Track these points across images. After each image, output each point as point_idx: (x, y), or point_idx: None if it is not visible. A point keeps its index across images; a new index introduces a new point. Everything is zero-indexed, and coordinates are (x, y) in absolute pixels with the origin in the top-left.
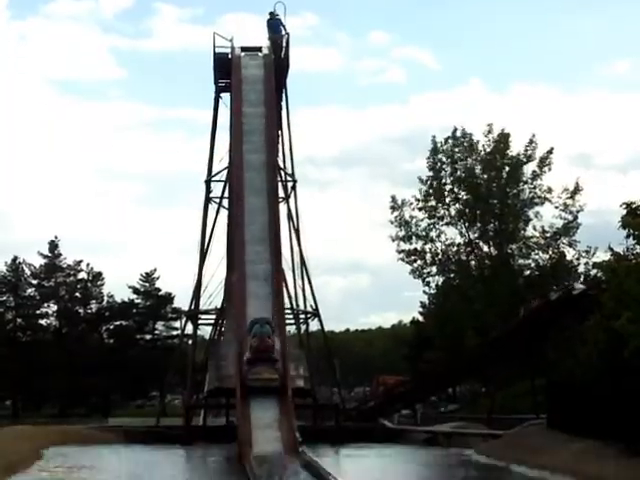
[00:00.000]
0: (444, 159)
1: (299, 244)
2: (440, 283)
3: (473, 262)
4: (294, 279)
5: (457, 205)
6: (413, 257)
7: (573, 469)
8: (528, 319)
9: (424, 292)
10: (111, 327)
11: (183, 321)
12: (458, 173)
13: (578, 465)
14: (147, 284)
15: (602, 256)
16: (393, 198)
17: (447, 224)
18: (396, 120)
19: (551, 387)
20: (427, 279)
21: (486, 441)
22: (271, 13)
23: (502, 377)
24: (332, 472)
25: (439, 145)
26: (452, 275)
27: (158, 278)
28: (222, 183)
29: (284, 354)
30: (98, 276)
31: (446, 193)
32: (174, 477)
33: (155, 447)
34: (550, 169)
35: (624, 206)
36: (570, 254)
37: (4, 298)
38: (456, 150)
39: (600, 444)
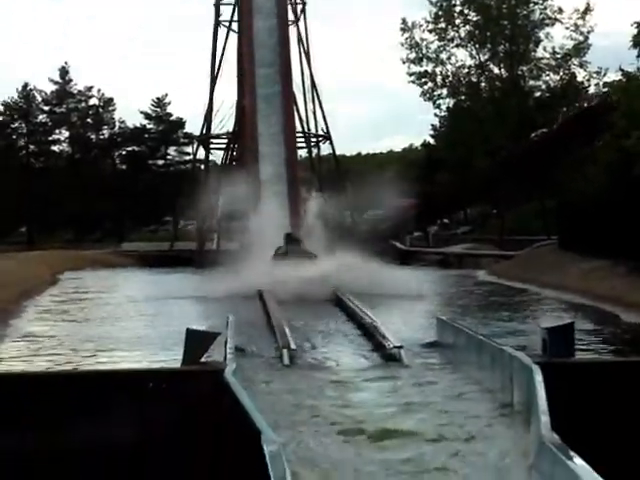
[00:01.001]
0: None
1: (309, 67)
2: (451, 105)
3: (483, 84)
4: (305, 103)
5: (467, 27)
6: (424, 79)
7: (584, 288)
8: (538, 140)
9: (435, 115)
10: (123, 153)
11: (195, 146)
12: None
13: (589, 284)
14: (158, 109)
15: (613, 77)
16: (403, 20)
17: (457, 46)
18: None
19: (562, 207)
20: (438, 102)
21: (497, 262)
22: None
23: (512, 198)
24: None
25: None
26: (462, 97)
27: (169, 103)
28: (231, 6)
29: (295, 176)
30: (109, 102)
31: (456, 15)
32: (189, 290)
33: (170, 270)
34: None
35: (635, 25)
36: (580, 75)
37: (16, 125)
38: None
39: (610, 263)
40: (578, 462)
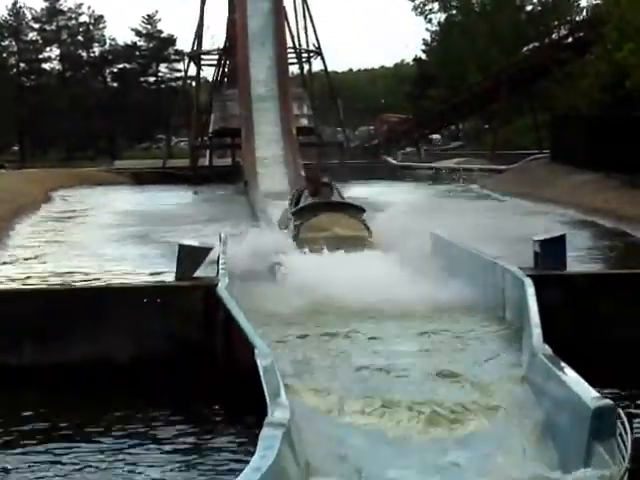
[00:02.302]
0: None
1: None
2: (442, 20)
3: None
4: (296, 18)
5: None
6: None
7: (576, 201)
8: (530, 54)
9: (426, 30)
10: (114, 70)
11: (186, 62)
12: None
13: (581, 197)
14: (149, 26)
15: None
16: None
17: None
18: None
19: (554, 121)
20: (429, 16)
21: (490, 176)
22: None
23: (504, 113)
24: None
25: None
26: (454, 12)
27: (160, 20)
28: None
29: (286, 93)
30: (100, 19)
31: None
32: (184, 206)
33: (163, 187)
34: None
35: None
36: None
37: (6, 43)
38: None
39: (603, 176)
40: (569, 373)
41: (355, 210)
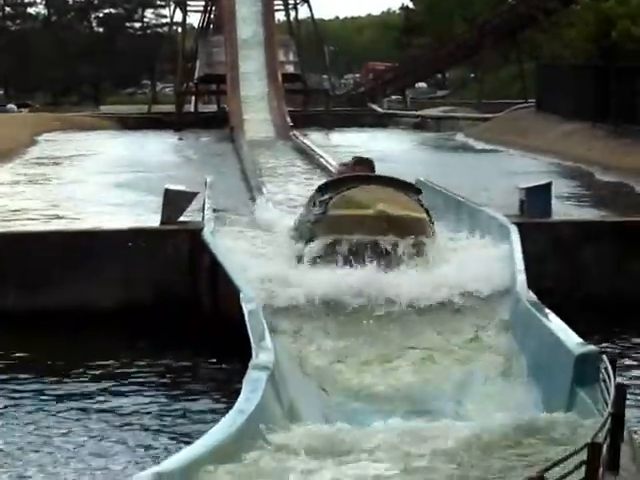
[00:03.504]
0: None
1: None
2: None
3: None
4: None
5: None
6: None
7: (561, 150)
8: (516, 3)
9: None
10: (100, 15)
11: (172, 8)
12: None
13: (566, 146)
14: None
15: None
16: None
17: None
18: None
19: (540, 70)
20: None
21: (475, 125)
22: None
23: (491, 62)
24: (322, 153)
25: None
26: None
27: None
28: None
29: (271, 39)
30: None
31: None
32: (169, 152)
33: (148, 132)
34: None
35: None
36: None
37: None
38: None
39: (588, 126)
40: (553, 319)
41: (407, 188)
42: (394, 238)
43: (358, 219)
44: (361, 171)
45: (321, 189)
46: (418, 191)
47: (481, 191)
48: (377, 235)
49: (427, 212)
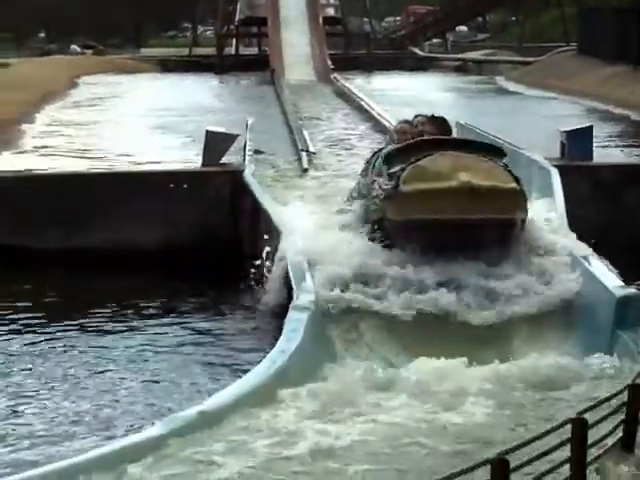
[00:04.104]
0: None
1: None
2: None
3: None
4: None
5: None
6: None
7: (602, 94)
8: None
9: None
10: None
11: None
12: None
13: (608, 90)
14: None
15: None
16: None
17: None
18: None
19: (582, 13)
20: None
21: (516, 68)
22: None
23: (532, 5)
24: (363, 97)
25: None
26: None
27: None
28: None
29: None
30: None
31: None
32: (210, 95)
33: (189, 75)
34: None
35: None
36: None
37: None
38: None
39: (630, 69)
40: (595, 262)
41: (491, 151)
42: (484, 216)
43: (437, 194)
44: (432, 132)
45: (389, 157)
46: (503, 154)
47: (521, 134)
48: (463, 214)
49: (517, 181)
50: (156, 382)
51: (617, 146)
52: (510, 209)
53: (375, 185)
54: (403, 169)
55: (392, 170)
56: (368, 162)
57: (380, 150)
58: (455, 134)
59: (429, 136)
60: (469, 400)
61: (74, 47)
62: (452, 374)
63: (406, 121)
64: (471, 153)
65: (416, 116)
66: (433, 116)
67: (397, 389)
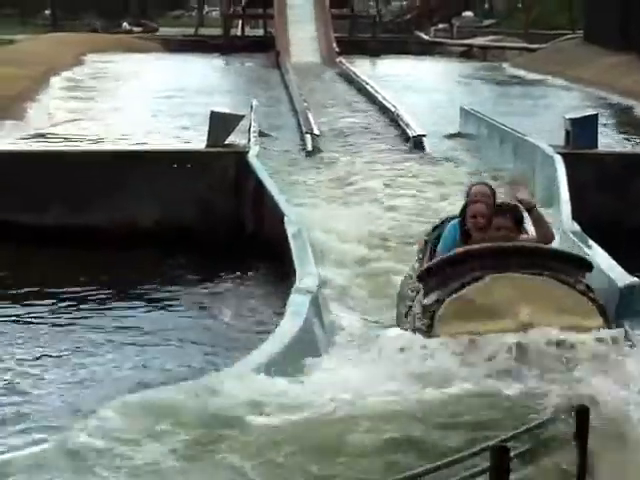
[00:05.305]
0: None
1: None
2: None
3: None
4: None
5: None
6: None
7: (608, 82)
8: None
9: None
10: None
11: None
12: None
13: (613, 78)
14: None
15: None
16: None
17: None
18: None
19: (588, 0)
20: None
21: (521, 55)
22: None
23: None
24: (368, 80)
25: None
26: None
27: None
28: None
29: None
30: None
31: None
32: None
33: (194, 55)
34: None
35: None
36: None
37: None
38: None
39: (636, 58)
40: (598, 251)
41: (572, 265)
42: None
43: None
44: (500, 225)
45: (426, 276)
46: (588, 266)
47: (525, 121)
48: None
49: (603, 311)
50: (146, 359)
51: (620, 134)
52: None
53: (415, 303)
54: (440, 301)
55: (426, 301)
56: (426, 242)
57: (443, 223)
58: (459, 121)
59: (496, 230)
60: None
61: (124, 24)
62: None
63: (485, 184)
64: (545, 266)
65: (472, 186)
66: (504, 204)
67: None
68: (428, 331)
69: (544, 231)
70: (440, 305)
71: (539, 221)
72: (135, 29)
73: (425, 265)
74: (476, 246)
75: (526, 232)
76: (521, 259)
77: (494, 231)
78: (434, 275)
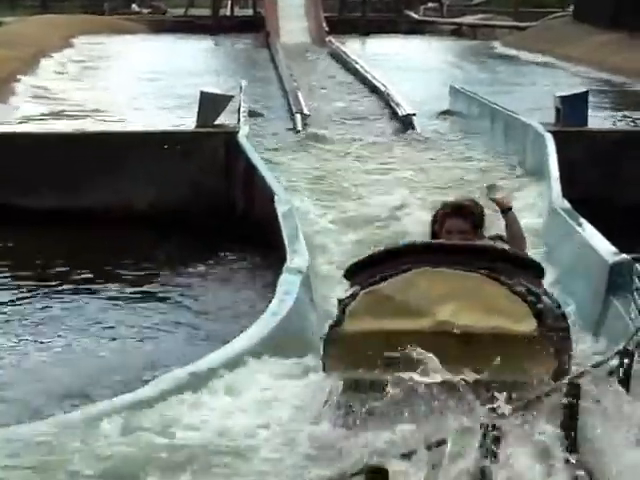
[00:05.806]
0: None
1: None
2: None
3: None
4: None
5: None
6: None
7: (598, 60)
8: None
9: None
10: None
11: None
12: None
13: (603, 56)
14: None
15: None
16: None
17: None
18: None
19: None
20: None
21: (511, 33)
22: None
23: None
24: (357, 60)
25: None
26: None
27: None
28: None
29: None
30: None
31: None
32: (204, 56)
33: (183, 36)
34: None
35: None
36: None
37: None
38: None
39: (626, 36)
40: (587, 228)
41: (521, 268)
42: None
43: (396, 339)
44: (453, 226)
45: (352, 271)
46: (540, 271)
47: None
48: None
49: (539, 316)
50: (140, 343)
51: (610, 112)
52: (522, 368)
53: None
54: (354, 295)
55: (343, 296)
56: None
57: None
58: (448, 99)
59: (447, 235)
60: None
61: (134, 6)
62: None
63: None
64: (479, 263)
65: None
66: (458, 204)
67: None
68: (337, 326)
69: (513, 234)
70: (353, 299)
71: (512, 225)
72: (144, 10)
73: (355, 260)
74: (412, 242)
75: (483, 237)
76: (458, 257)
77: (445, 234)
78: (359, 267)
